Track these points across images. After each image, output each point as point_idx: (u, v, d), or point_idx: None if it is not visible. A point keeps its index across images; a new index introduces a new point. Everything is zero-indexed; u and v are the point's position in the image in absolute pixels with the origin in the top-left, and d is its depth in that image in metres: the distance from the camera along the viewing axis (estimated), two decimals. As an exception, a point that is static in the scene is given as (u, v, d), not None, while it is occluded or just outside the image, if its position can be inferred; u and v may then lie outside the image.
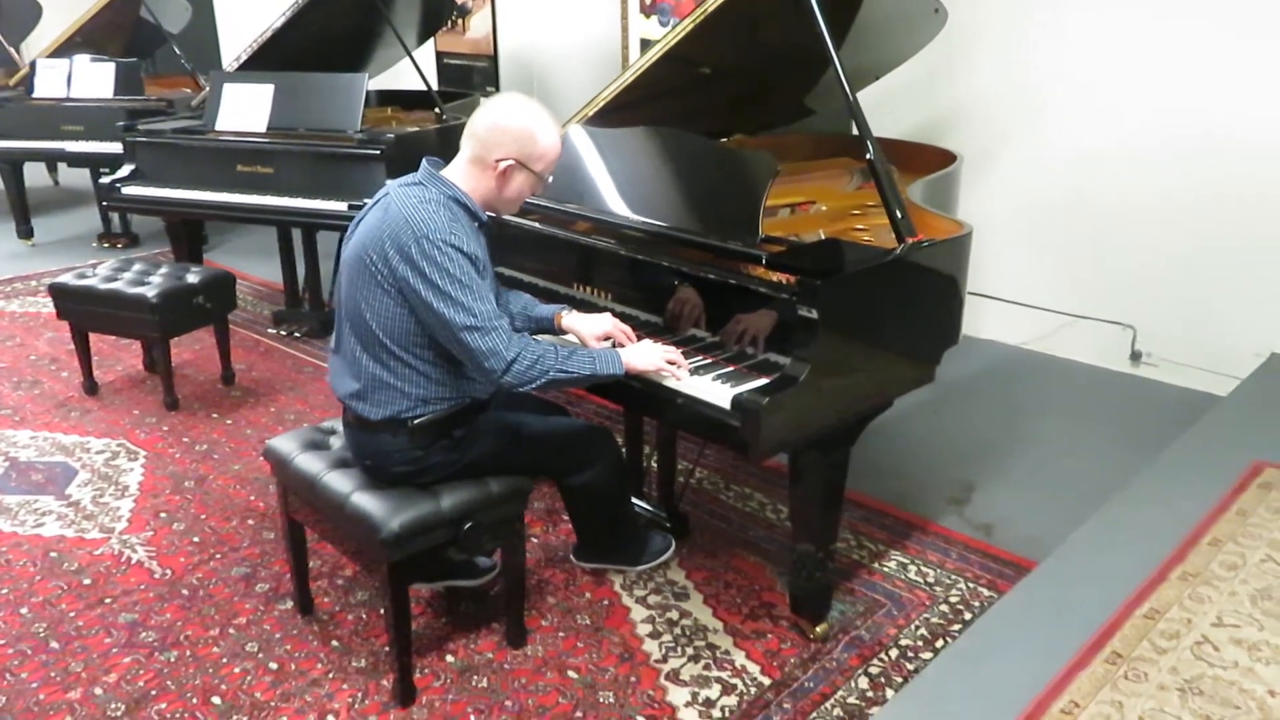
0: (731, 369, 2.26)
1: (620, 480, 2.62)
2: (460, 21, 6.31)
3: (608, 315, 2.47)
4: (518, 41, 6.17)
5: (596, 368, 2.24)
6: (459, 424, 2.31)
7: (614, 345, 2.40)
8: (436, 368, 2.25)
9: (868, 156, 2.45)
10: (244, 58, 4.74)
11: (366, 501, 2.23)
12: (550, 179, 2.31)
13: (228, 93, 4.53)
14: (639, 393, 2.34)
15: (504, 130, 2.20)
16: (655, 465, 3.02)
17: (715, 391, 2.17)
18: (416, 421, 2.25)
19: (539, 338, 2.34)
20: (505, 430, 2.41)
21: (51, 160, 7.48)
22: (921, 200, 2.79)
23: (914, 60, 3.57)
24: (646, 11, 5.33)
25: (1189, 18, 3.76)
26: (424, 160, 2.29)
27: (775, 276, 2.26)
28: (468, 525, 2.27)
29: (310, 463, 2.40)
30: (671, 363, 2.25)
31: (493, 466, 2.35)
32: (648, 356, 2.26)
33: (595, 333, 2.41)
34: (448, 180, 2.24)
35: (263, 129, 4.43)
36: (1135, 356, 4.21)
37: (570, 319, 2.47)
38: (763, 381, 2.16)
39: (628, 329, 2.43)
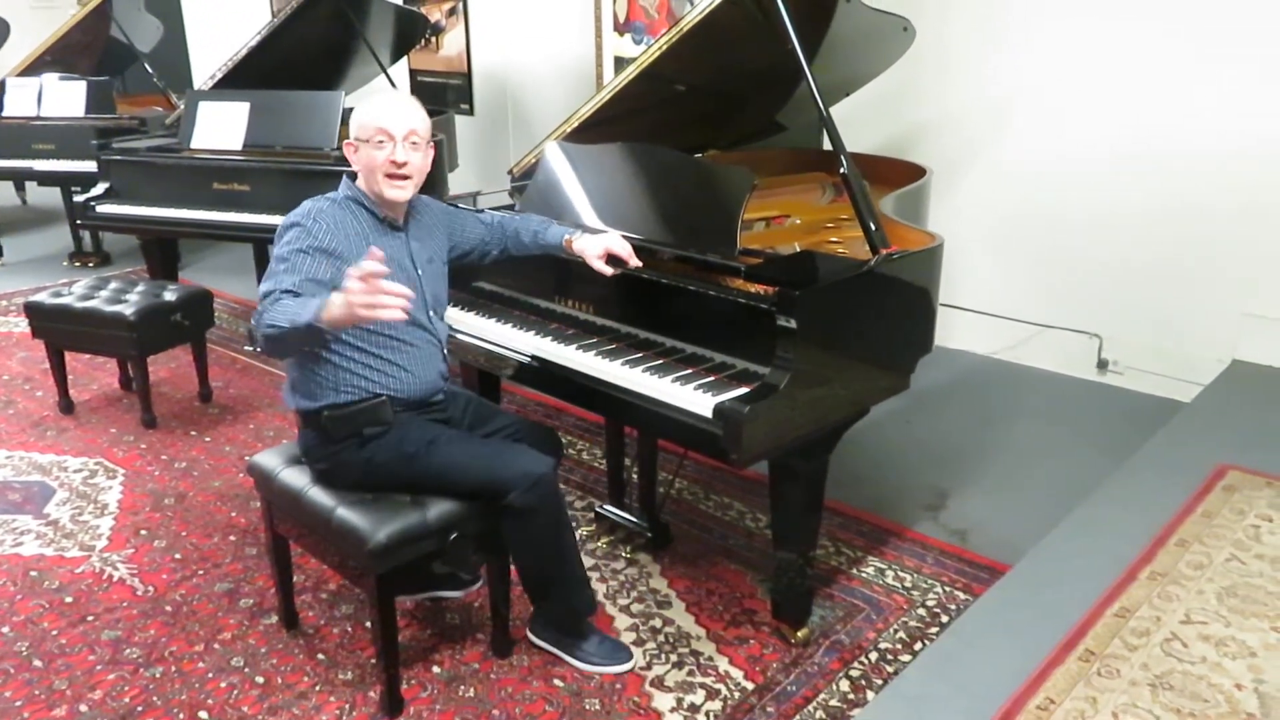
0: (712, 378, 2.31)
1: (555, 517, 2.36)
2: (434, 39, 6.35)
3: (613, 233, 2.53)
4: (491, 59, 6.21)
5: (296, 318, 2.00)
6: (369, 422, 2.31)
7: (615, 265, 2.46)
8: (340, 355, 2.29)
9: (842, 171, 2.52)
10: (219, 76, 4.75)
11: (352, 514, 2.25)
12: (398, 153, 2.28)
13: (203, 111, 4.54)
14: (619, 403, 2.39)
15: None
16: (636, 476, 3.05)
17: (697, 401, 2.22)
18: (327, 414, 2.28)
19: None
20: (421, 438, 2.32)
21: (20, 179, 7.43)
22: (893, 213, 2.85)
23: (883, 77, 3.65)
24: (620, 29, 5.39)
25: (1152, 34, 3.88)
26: (346, 173, 2.43)
27: (754, 288, 2.31)
28: (453, 536, 2.30)
29: (295, 477, 2.42)
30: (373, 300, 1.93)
31: (403, 477, 2.30)
32: (341, 307, 1.94)
33: (596, 252, 2.47)
34: (353, 184, 2.37)
35: (238, 147, 4.45)
36: (1102, 365, 4.30)
37: (579, 242, 2.52)
38: (743, 390, 2.20)
39: (628, 248, 2.46)
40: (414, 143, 2.30)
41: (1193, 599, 2.41)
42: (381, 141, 2.28)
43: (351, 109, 5.02)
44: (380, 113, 2.30)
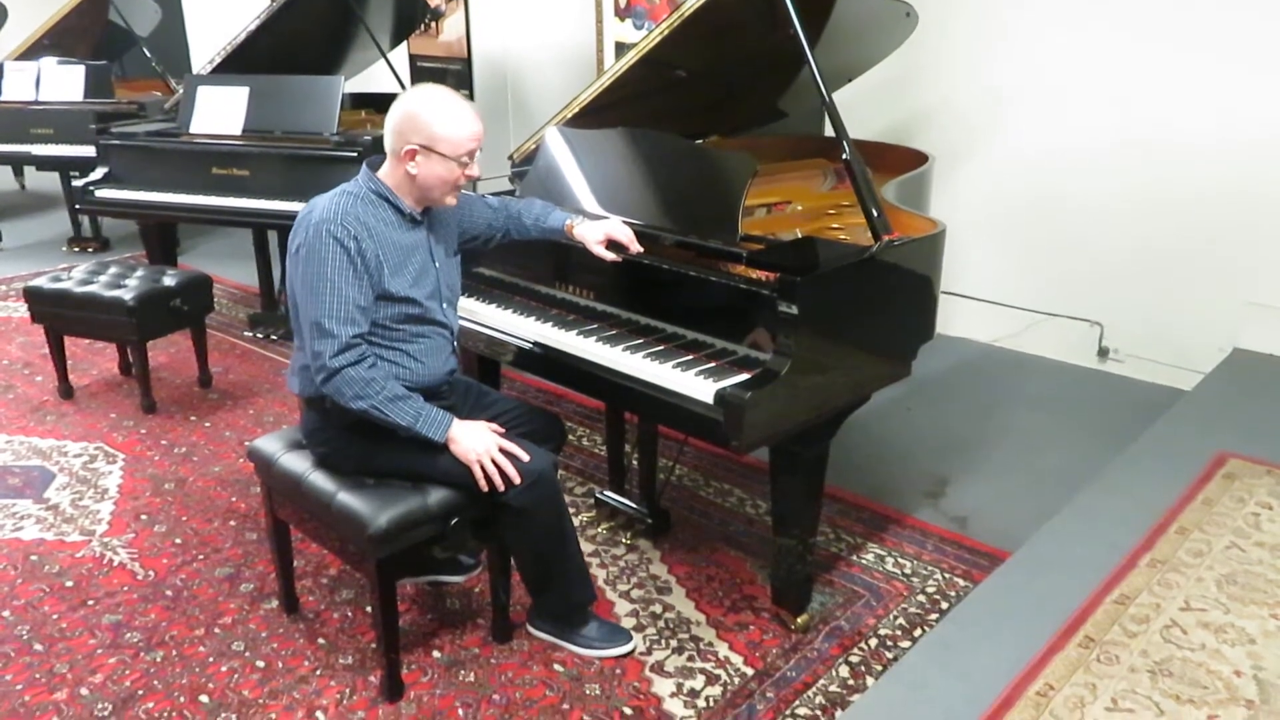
0: (713, 365, 2.30)
1: (555, 515, 2.37)
2: (434, 24, 6.32)
3: (614, 219, 2.53)
4: (491, 44, 6.18)
5: (417, 425, 2.20)
6: None
7: (616, 251, 2.45)
8: None
9: (844, 157, 2.50)
10: (217, 60, 4.73)
11: (353, 499, 2.25)
12: (474, 168, 2.27)
13: (202, 95, 4.52)
14: (620, 389, 2.39)
15: (408, 118, 2.23)
16: (636, 462, 3.05)
17: (698, 387, 2.21)
18: (331, 400, 2.26)
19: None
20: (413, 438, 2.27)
21: (19, 164, 7.41)
22: (895, 199, 2.85)
23: (885, 63, 3.63)
24: (621, 15, 5.37)
25: (1154, 23, 3.86)
26: (365, 161, 2.35)
27: (755, 274, 2.30)
28: (454, 521, 2.30)
29: (295, 462, 2.41)
30: (495, 462, 2.21)
31: (403, 465, 2.30)
32: (474, 442, 2.22)
33: (597, 237, 2.46)
34: (375, 176, 2.30)
35: (238, 131, 4.43)
36: (1103, 353, 4.30)
37: (580, 228, 2.51)
38: (745, 377, 2.20)
39: (629, 234, 2.45)
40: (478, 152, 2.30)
41: (1192, 586, 2.42)
42: (466, 162, 2.25)
43: (348, 94, 5.03)
44: (475, 128, 2.24)
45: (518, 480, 2.23)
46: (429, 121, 2.21)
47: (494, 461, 2.22)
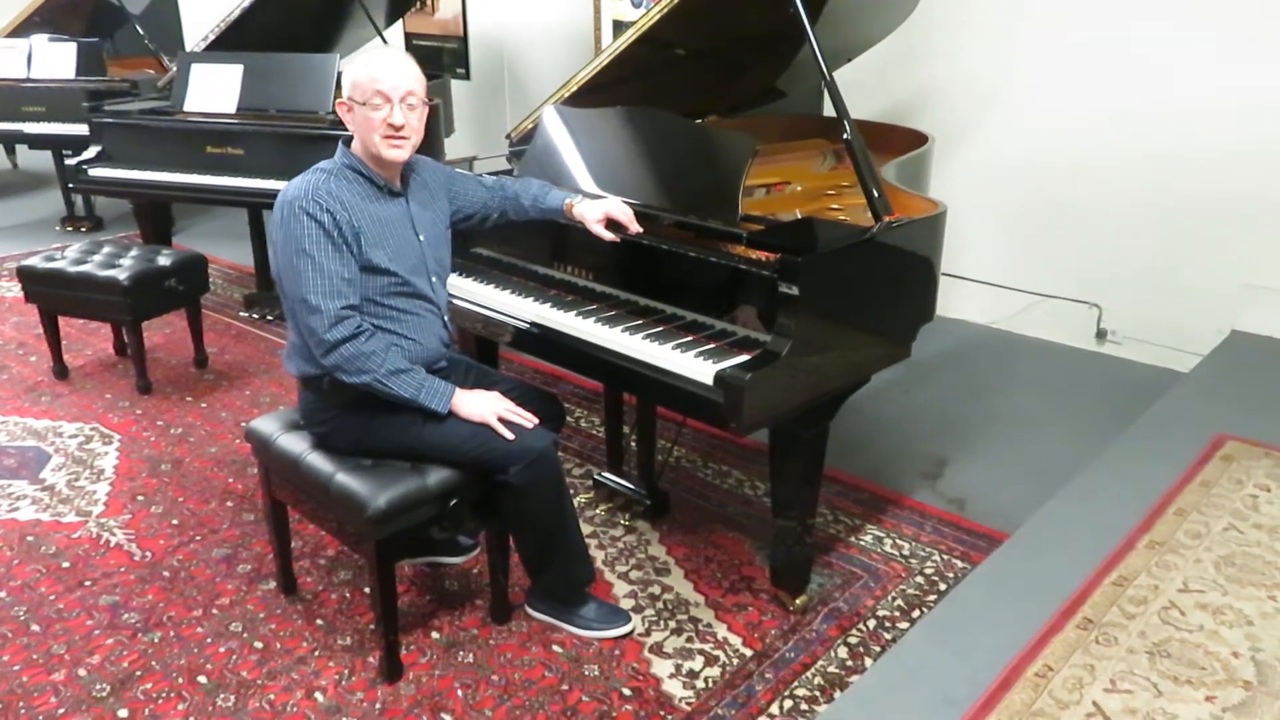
0: (713, 346, 2.29)
1: (555, 493, 2.37)
2: (429, 2, 6.27)
3: (613, 199, 2.52)
4: (488, 22, 6.13)
5: (420, 397, 2.22)
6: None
7: (616, 231, 2.45)
8: None
9: (845, 137, 2.48)
10: (211, 38, 4.68)
11: (352, 480, 2.24)
12: (395, 114, 2.22)
13: (195, 73, 4.48)
14: (619, 370, 2.38)
15: None
16: (635, 444, 3.04)
17: (698, 368, 2.20)
18: (329, 379, 2.27)
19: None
20: (418, 410, 2.27)
21: (11, 142, 7.35)
22: (895, 180, 2.83)
23: (886, 42, 3.60)
24: (618, -8, 5.33)
25: (1152, 4, 3.83)
26: (341, 139, 2.36)
27: (755, 254, 2.29)
28: (453, 502, 2.29)
29: (293, 443, 2.40)
30: (504, 421, 2.25)
31: (402, 444, 2.29)
32: (480, 405, 2.26)
33: (596, 217, 2.46)
34: (349, 151, 2.31)
35: (232, 110, 4.39)
36: (1101, 335, 4.30)
37: (579, 207, 2.50)
38: (745, 358, 2.19)
39: (629, 213, 2.45)
40: (411, 104, 2.25)
41: (1190, 568, 2.42)
42: (378, 104, 2.22)
43: (343, 73, 4.97)
44: (376, 73, 2.22)
45: (532, 424, 2.26)
46: (348, 73, 2.27)
47: (507, 417, 2.26)
